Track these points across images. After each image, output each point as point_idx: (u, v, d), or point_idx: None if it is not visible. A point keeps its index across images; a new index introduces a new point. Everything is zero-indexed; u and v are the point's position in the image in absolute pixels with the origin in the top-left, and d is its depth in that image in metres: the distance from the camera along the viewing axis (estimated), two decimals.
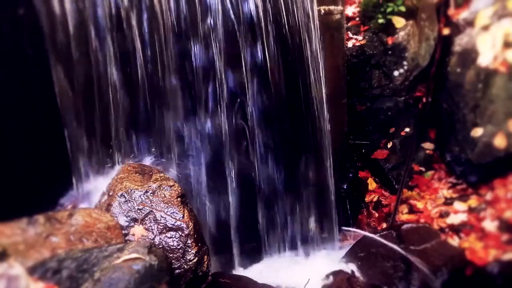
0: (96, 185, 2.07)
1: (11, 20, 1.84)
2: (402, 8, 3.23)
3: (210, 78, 2.36)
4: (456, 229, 2.79)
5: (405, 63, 3.29)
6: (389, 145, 3.30)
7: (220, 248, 2.50)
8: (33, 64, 1.92)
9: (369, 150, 3.34)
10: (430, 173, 3.20)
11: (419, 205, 3.03)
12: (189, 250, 1.86)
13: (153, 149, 2.28)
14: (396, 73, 3.30)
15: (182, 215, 1.92)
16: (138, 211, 1.92)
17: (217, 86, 2.38)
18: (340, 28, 3.02)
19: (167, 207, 1.94)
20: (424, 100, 3.35)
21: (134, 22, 2.10)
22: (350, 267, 2.55)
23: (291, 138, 2.70)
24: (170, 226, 1.89)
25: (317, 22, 2.67)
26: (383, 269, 2.49)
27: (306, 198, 2.81)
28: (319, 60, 2.71)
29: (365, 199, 3.22)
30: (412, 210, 3.03)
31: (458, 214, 2.87)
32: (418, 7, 3.32)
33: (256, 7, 2.38)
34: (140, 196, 1.96)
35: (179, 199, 1.97)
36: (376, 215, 3.14)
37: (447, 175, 3.15)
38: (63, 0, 1.91)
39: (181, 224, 1.90)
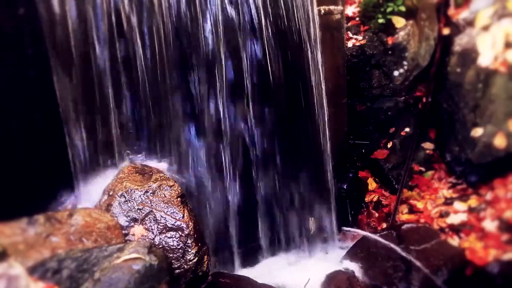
0: (96, 185, 2.07)
1: (11, 20, 1.84)
2: (402, 8, 3.24)
3: (210, 78, 2.36)
4: (456, 229, 2.79)
5: (405, 63, 3.30)
6: (389, 145, 3.30)
7: (220, 248, 2.50)
8: (33, 64, 1.92)
9: (369, 150, 3.34)
10: (430, 173, 3.20)
11: (419, 205, 3.03)
12: (189, 250, 1.86)
13: (153, 149, 2.28)
14: (396, 73, 3.31)
15: (182, 215, 1.92)
16: (138, 211, 1.92)
17: (217, 86, 2.37)
18: (340, 28, 3.02)
19: (167, 207, 1.94)
20: (424, 100, 3.35)
21: (134, 22, 2.10)
22: (350, 267, 2.55)
23: (291, 138, 2.70)
24: (170, 226, 1.89)
25: (317, 22, 2.67)
26: (383, 269, 2.49)
27: (306, 198, 2.81)
28: (319, 60, 2.71)
29: (365, 199, 3.22)
30: (412, 210, 3.03)
31: (458, 214, 2.87)
32: (418, 7, 3.32)
33: (256, 7, 2.38)
34: (140, 196, 1.96)
35: (179, 199, 1.97)
36: (376, 215, 3.14)
37: (447, 175, 3.16)
38: (63, 0, 1.91)
39: (181, 224, 1.90)
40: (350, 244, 2.80)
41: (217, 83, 2.37)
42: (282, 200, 2.71)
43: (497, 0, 3.02)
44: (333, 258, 2.73)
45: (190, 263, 1.85)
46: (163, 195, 1.97)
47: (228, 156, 2.48)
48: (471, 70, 3.03)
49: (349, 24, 3.41)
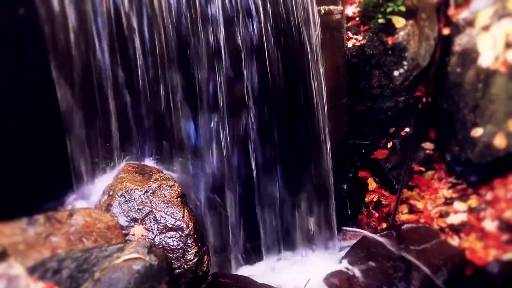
0: (96, 185, 2.07)
1: (11, 20, 1.84)
2: (402, 8, 3.23)
3: (210, 78, 2.36)
4: (456, 229, 2.79)
5: (405, 63, 3.30)
6: (389, 145, 3.30)
7: (220, 248, 2.50)
8: (33, 64, 1.92)
9: (369, 150, 3.34)
10: (430, 173, 3.20)
11: (419, 205, 3.03)
12: (189, 250, 1.86)
13: (153, 149, 2.28)
14: (396, 73, 3.31)
15: (182, 215, 1.92)
16: (138, 211, 1.92)
17: (218, 86, 2.37)
18: (340, 28, 3.02)
19: (167, 207, 1.94)
20: (424, 100, 3.35)
21: (134, 22, 2.10)
22: (350, 267, 2.55)
23: (291, 138, 2.70)
24: (170, 226, 1.89)
25: (317, 22, 2.67)
26: (383, 269, 2.49)
27: (306, 198, 2.81)
28: (319, 60, 2.71)
29: (365, 199, 3.22)
30: (412, 210, 3.03)
31: (458, 214, 2.87)
32: (418, 7, 3.32)
33: (256, 7, 2.38)
34: (140, 196, 1.96)
35: (179, 199, 1.97)
36: (376, 215, 3.14)
37: (447, 175, 3.16)
38: (63, 0, 1.91)
39: (181, 224, 1.90)
40: (350, 244, 2.80)
41: (217, 84, 2.37)
42: (282, 200, 2.71)
43: (497, 0, 3.02)
44: (333, 258, 2.73)
45: (190, 263, 1.85)
46: (163, 195, 1.97)
47: (228, 156, 2.48)
48: (471, 70, 3.03)
49: (349, 24, 3.40)
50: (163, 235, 1.88)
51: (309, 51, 2.64)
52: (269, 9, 2.43)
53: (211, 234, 2.46)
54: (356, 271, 2.52)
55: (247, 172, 2.56)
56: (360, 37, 3.35)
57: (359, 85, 3.35)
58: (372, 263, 2.54)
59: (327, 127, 2.79)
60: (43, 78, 1.93)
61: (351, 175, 3.22)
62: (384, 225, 3.04)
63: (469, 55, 3.06)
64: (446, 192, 3.06)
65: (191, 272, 1.85)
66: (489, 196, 2.88)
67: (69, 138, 2.02)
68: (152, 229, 1.88)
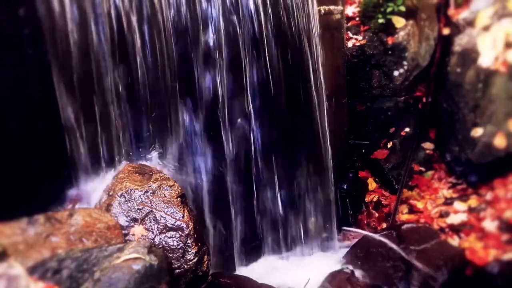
0: (96, 185, 2.07)
1: (11, 20, 1.84)
2: (402, 8, 3.24)
3: (210, 78, 2.36)
4: (456, 229, 2.79)
5: (405, 63, 3.30)
6: (389, 145, 3.30)
7: (220, 248, 2.50)
8: (33, 64, 1.92)
9: (369, 150, 3.34)
10: (430, 173, 3.20)
11: (419, 205, 3.03)
12: (189, 250, 1.86)
13: (153, 150, 2.28)
14: (396, 73, 3.31)
15: (182, 215, 1.92)
16: (138, 211, 1.92)
17: (217, 86, 2.38)
18: (340, 28, 3.02)
19: (167, 207, 1.94)
20: (424, 100, 3.35)
21: (134, 22, 2.10)
22: (350, 267, 2.55)
23: (291, 138, 2.70)
24: (170, 226, 1.90)
25: (317, 22, 2.67)
26: (383, 269, 2.49)
27: (306, 198, 2.81)
28: (319, 60, 2.71)
29: (365, 199, 3.22)
30: (412, 210, 3.03)
31: (458, 214, 2.87)
32: (418, 7, 3.33)
33: (256, 7, 2.38)
34: (140, 196, 1.96)
35: (179, 199, 1.97)
36: (376, 215, 3.14)
37: (447, 175, 3.15)
38: (63, 0, 1.91)
39: (181, 224, 1.90)
40: (350, 244, 2.80)
41: (218, 83, 2.37)
42: (282, 200, 2.71)
43: (497, 0, 3.03)
44: (333, 258, 2.73)
45: (190, 263, 1.85)
46: (163, 195, 1.97)
47: (228, 156, 2.48)
48: (471, 70, 3.03)
49: (349, 24, 3.41)
50: (163, 235, 1.88)
51: (309, 51, 2.64)
52: (269, 9, 2.43)
53: (211, 234, 2.46)
54: (356, 271, 2.52)
55: (248, 172, 2.56)
56: (360, 37, 3.36)
57: (359, 85, 3.35)
58: (372, 263, 2.54)
59: (327, 127, 2.80)
60: (43, 78, 1.93)
61: (351, 175, 3.22)
62: (384, 225, 3.04)
63: (469, 55, 3.06)
64: (446, 192, 3.06)
65: (191, 272, 1.85)
66: (489, 196, 2.88)
67: (69, 138, 2.02)
68: (152, 229, 1.89)
